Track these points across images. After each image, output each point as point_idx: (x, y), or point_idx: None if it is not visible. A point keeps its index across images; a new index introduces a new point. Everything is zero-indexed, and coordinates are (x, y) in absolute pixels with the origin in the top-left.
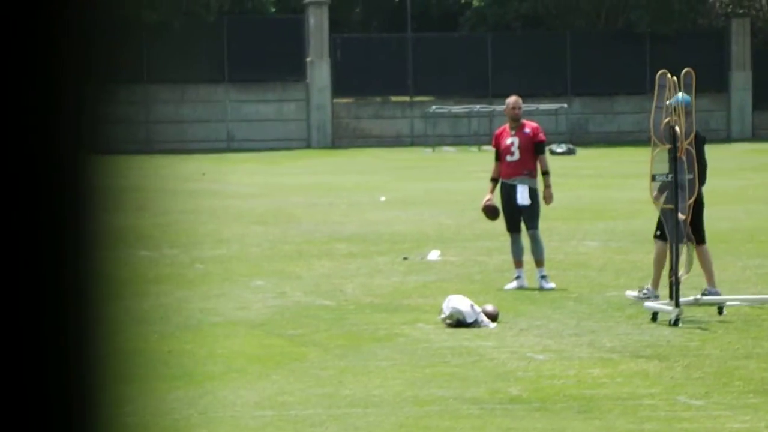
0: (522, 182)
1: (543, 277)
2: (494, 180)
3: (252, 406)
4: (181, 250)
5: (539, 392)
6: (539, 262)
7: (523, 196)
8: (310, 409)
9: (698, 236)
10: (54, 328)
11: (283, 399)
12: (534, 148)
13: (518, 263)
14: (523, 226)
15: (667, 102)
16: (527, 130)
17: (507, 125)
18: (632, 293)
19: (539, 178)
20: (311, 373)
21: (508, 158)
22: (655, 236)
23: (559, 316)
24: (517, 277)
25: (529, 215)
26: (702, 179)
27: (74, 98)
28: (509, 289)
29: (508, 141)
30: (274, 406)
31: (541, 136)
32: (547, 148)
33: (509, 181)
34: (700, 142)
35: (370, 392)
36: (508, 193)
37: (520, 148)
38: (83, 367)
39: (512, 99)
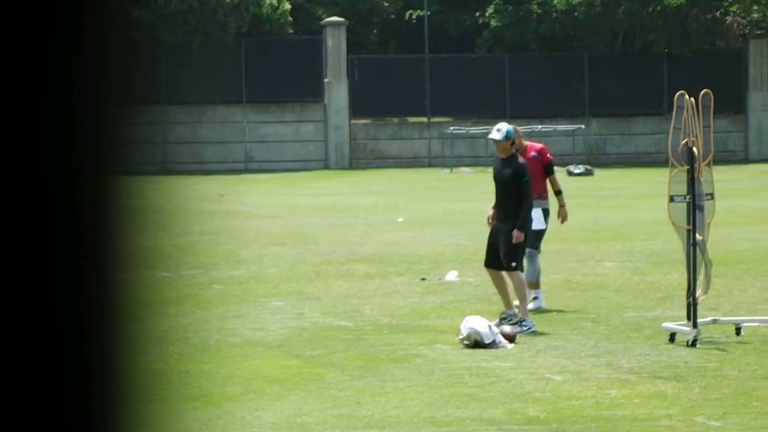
0: (535, 206)
1: (536, 297)
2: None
3: (270, 427)
4: (200, 271)
5: (557, 413)
6: (534, 284)
7: (538, 221)
8: (327, 430)
9: (519, 263)
10: (73, 349)
11: (301, 420)
12: (543, 170)
13: (533, 284)
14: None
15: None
16: (533, 153)
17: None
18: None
19: (551, 198)
20: (329, 393)
21: None
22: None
23: (576, 337)
24: (535, 298)
25: (538, 236)
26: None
27: (92, 119)
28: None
29: None
30: (291, 426)
31: (549, 156)
32: (564, 169)
33: None
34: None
35: (388, 413)
36: None
37: (529, 172)
38: (101, 388)
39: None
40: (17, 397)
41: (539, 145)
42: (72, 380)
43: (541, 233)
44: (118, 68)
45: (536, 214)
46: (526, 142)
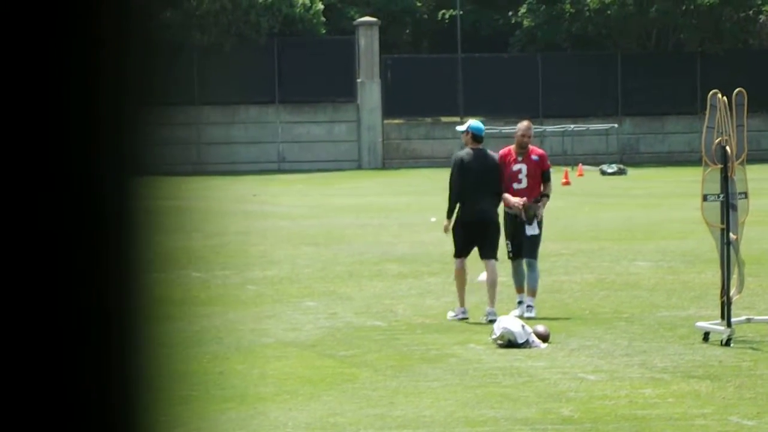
0: None
1: (530, 306)
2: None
3: (303, 428)
4: (233, 271)
5: (591, 413)
6: (532, 291)
7: (531, 227)
8: (361, 430)
9: (493, 252)
10: (107, 350)
11: (335, 420)
12: (542, 176)
13: (520, 289)
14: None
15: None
16: (535, 157)
17: (512, 148)
18: (451, 314)
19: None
20: (362, 394)
21: (515, 186)
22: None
23: (610, 337)
24: (520, 303)
25: (533, 244)
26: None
27: (127, 120)
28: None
29: (515, 167)
30: (325, 427)
31: (548, 164)
32: (597, 169)
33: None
34: (500, 169)
35: (422, 413)
36: (515, 222)
37: (528, 175)
38: (136, 389)
39: (523, 125)
40: (48, 398)
41: (541, 151)
42: (104, 381)
43: (532, 239)
44: (151, 70)
45: None
46: (531, 146)
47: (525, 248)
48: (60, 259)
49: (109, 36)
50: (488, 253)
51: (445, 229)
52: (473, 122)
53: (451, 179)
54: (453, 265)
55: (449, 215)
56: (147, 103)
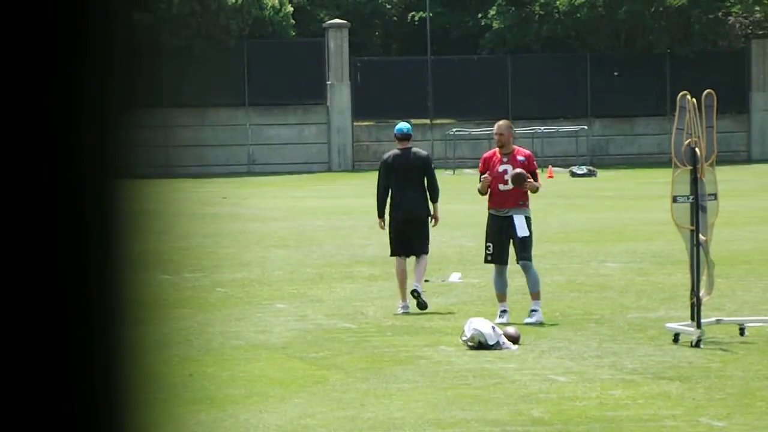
0: (517, 212)
1: (534, 311)
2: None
3: (274, 430)
4: (203, 273)
5: (561, 414)
6: (535, 294)
7: (522, 228)
8: None
9: (425, 248)
10: (75, 352)
11: (305, 422)
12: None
13: (502, 297)
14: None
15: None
16: (521, 157)
17: (497, 149)
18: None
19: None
20: (333, 396)
21: (501, 187)
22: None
23: (580, 338)
24: (503, 312)
25: (526, 245)
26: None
27: (95, 123)
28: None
29: (501, 168)
30: (296, 429)
31: (535, 164)
32: (567, 170)
33: (503, 212)
34: (429, 166)
35: (392, 415)
36: (502, 225)
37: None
38: (104, 392)
39: (497, 124)
40: (20, 400)
41: (527, 151)
42: (74, 384)
43: (523, 241)
44: (120, 72)
45: (519, 221)
46: (514, 146)
47: (518, 251)
48: (28, 262)
49: (80, 39)
50: (420, 248)
51: (380, 226)
52: (400, 124)
53: (377, 179)
54: (393, 267)
55: (379, 215)
56: (117, 106)
